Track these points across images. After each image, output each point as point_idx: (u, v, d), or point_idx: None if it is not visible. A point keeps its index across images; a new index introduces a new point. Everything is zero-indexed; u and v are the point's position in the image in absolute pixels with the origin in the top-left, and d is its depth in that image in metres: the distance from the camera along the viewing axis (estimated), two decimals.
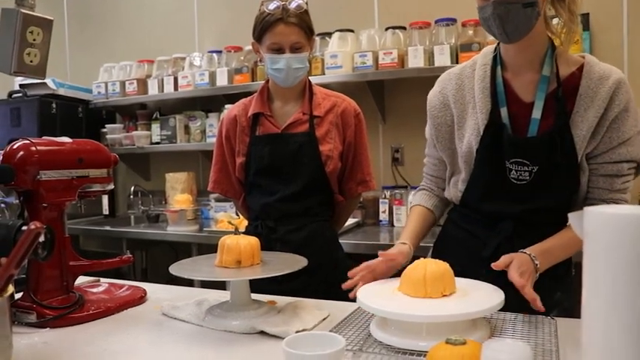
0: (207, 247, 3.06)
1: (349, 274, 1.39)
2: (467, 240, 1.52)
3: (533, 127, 1.39)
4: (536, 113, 1.38)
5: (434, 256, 1.35)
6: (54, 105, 3.83)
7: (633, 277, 0.82)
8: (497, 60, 1.46)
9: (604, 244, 0.83)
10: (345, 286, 1.34)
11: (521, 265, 1.27)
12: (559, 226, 1.39)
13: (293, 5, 1.76)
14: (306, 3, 1.81)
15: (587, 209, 0.84)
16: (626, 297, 0.82)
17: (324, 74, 3.17)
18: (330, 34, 3.24)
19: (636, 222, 0.81)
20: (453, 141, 1.52)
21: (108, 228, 3.64)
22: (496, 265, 1.28)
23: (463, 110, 1.49)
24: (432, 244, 1.68)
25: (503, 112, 1.41)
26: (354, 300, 1.24)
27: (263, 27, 1.78)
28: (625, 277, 0.82)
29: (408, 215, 1.64)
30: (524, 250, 1.32)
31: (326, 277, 1.75)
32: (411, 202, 1.69)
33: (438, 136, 1.55)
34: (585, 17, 2.81)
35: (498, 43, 1.47)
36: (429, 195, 1.65)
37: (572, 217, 0.87)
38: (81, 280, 1.62)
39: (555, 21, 1.43)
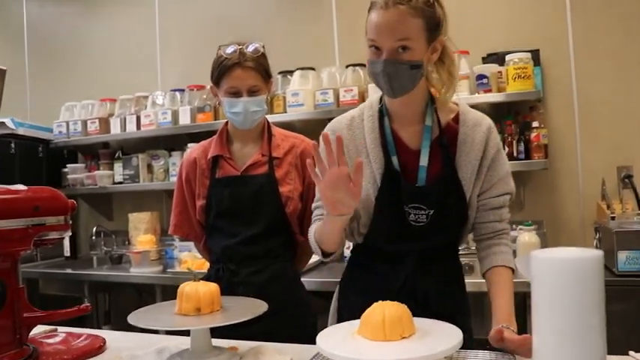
0: (172, 288, 2.99)
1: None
2: (371, 276, 1.58)
3: (422, 174, 1.50)
4: (424, 160, 1.50)
5: (341, 295, 1.53)
6: (13, 145, 3.76)
7: (580, 316, 0.85)
8: (383, 112, 1.55)
9: (550, 286, 0.86)
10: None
11: (512, 334, 1.32)
12: (451, 257, 1.61)
13: (250, 49, 1.79)
14: (263, 47, 1.84)
15: (533, 254, 0.87)
16: (574, 336, 0.84)
17: (286, 112, 3.21)
18: (291, 72, 3.28)
19: (580, 264, 0.84)
20: None
21: (69, 271, 3.56)
22: (495, 343, 1.32)
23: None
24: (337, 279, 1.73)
25: (394, 160, 1.50)
26: (314, 341, 1.24)
27: (220, 71, 1.79)
28: (572, 317, 0.85)
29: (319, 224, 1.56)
30: (500, 326, 1.35)
31: (289, 319, 1.74)
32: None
33: None
34: (535, 53, 2.92)
35: (382, 96, 1.56)
36: None
37: (519, 261, 0.91)
38: (37, 329, 1.58)
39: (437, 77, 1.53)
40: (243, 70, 1.78)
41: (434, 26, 1.41)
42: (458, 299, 1.61)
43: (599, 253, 0.86)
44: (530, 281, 0.89)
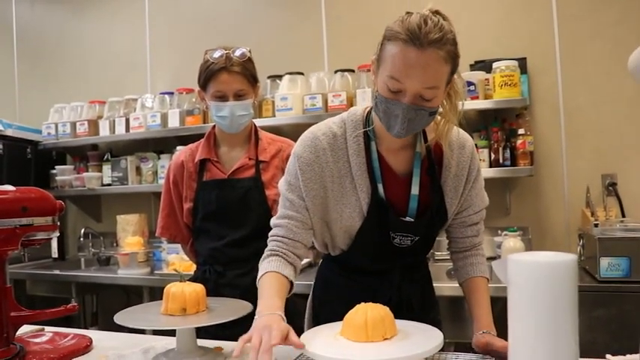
0: (159, 290, 2.99)
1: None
2: (352, 284, 1.58)
3: (413, 204, 1.45)
4: (415, 189, 1.45)
5: (317, 301, 1.56)
6: (1, 146, 3.74)
7: (552, 318, 0.87)
8: (370, 134, 1.45)
9: (525, 288, 0.88)
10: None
11: (495, 338, 1.36)
12: (425, 262, 1.68)
13: (237, 54, 1.81)
14: (250, 51, 1.86)
15: (510, 258, 0.89)
16: (547, 336, 0.87)
17: (274, 116, 3.23)
18: (280, 77, 3.30)
19: (553, 267, 0.87)
20: (326, 213, 1.49)
21: (57, 272, 3.54)
22: (480, 349, 1.36)
23: (340, 184, 1.45)
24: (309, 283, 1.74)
25: (380, 188, 1.44)
26: None
27: (207, 75, 1.81)
28: (545, 318, 0.87)
29: (266, 282, 1.43)
30: (482, 332, 1.39)
31: None
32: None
33: (311, 208, 1.46)
34: (522, 61, 2.96)
35: (369, 113, 1.47)
36: (285, 263, 1.45)
37: (497, 264, 0.93)
38: (25, 329, 1.59)
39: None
40: (230, 75, 1.80)
41: (455, 70, 1.33)
42: (431, 298, 1.68)
43: (573, 257, 0.89)
44: (507, 284, 0.91)
